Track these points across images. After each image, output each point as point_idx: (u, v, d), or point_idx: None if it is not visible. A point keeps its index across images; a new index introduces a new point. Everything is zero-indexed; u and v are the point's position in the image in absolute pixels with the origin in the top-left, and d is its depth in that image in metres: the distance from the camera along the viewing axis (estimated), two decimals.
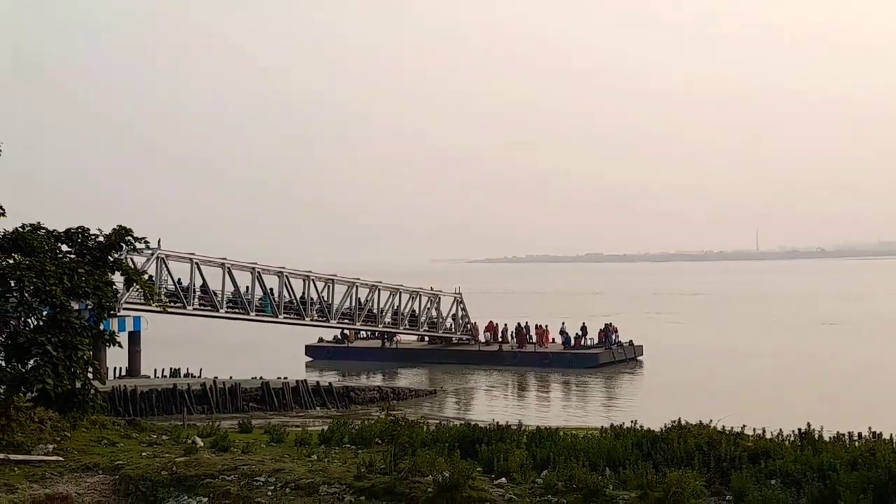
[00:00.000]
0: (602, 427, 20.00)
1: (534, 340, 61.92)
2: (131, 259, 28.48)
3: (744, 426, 17.95)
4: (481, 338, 64.82)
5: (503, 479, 15.54)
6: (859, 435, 17.10)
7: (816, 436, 17.16)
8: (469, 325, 65.75)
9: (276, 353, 63.72)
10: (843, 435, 17.09)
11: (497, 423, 19.51)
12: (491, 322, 65.93)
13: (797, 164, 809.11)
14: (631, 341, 61.68)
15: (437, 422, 24.90)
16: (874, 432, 16.93)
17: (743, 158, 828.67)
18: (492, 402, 45.84)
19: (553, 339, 62.91)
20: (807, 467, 14.65)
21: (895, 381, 49.54)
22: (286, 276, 52.69)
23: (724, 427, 17.63)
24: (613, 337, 61.19)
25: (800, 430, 17.49)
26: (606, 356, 58.65)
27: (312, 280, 54.49)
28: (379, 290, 59.64)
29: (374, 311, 59.41)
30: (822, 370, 55.14)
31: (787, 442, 17.07)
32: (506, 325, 64.75)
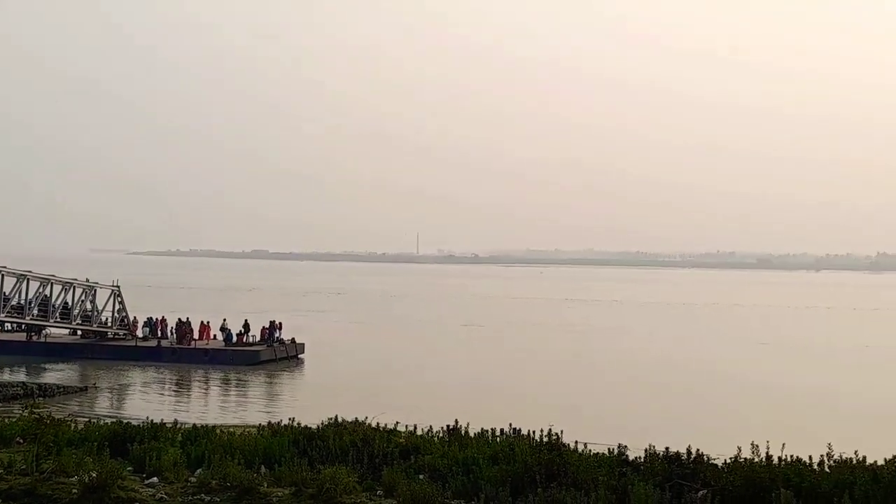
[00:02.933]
0: (260, 424, 19.99)
1: (195, 336, 60.76)
2: None
3: (397, 423, 18.61)
4: (139, 333, 62.65)
5: (155, 478, 15.12)
6: (501, 431, 18.16)
7: (463, 432, 18.09)
8: (127, 320, 63.30)
9: None
10: (487, 431, 18.11)
11: (151, 420, 18.96)
12: (153, 317, 63.91)
13: (456, 172, 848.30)
14: (293, 339, 62.00)
15: (87, 420, 23.78)
16: (514, 428, 18.07)
17: (401, 165, 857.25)
18: (147, 400, 44.40)
19: (214, 336, 62.02)
20: (453, 462, 15.40)
21: (533, 377, 53.30)
22: None
23: (378, 424, 18.18)
24: (277, 334, 61.26)
25: (448, 426, 18.36)
26: (268, 353, 58.61)
27: None
28: (28, 279, 55.94)
29: (22, 302, 55.66)
30: (469, 368, 58.21)
31: (436, 438, 17.87)
32: (165, 319, 63.02)
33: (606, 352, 70.51)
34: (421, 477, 14.84)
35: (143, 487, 14.52)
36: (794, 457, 14.05)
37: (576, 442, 16.19)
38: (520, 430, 17.70)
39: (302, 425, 18.52)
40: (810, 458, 13.96)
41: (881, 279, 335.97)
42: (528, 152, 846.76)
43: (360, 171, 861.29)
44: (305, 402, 43.14)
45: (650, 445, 15.32)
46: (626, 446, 15.56)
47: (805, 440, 16.28)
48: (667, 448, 14.86)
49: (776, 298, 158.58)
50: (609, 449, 15.70)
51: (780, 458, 14.00)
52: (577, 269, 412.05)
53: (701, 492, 13.15)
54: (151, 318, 63.96)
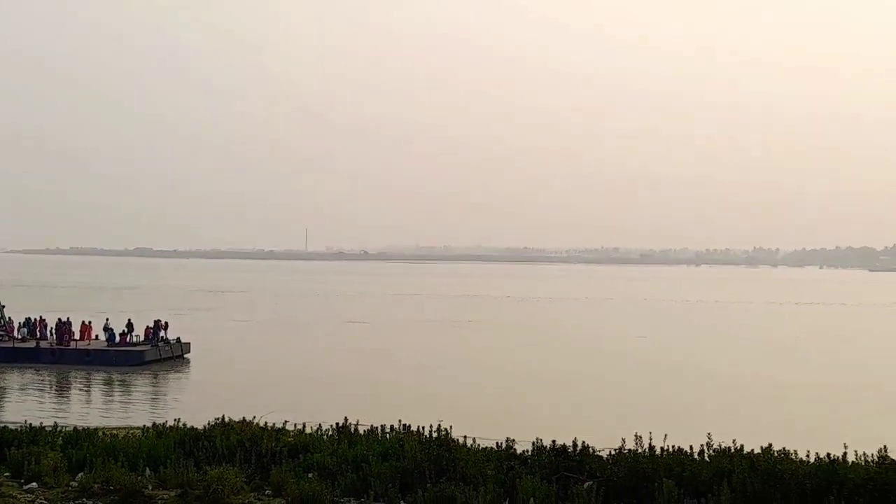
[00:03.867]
0: (144, 426, 19.59)
1: (76, 337, 59.16)
2: None
3: (285, 422, 18.45)
4: (17, 333, 60.65)
5: (34, 483, 14.70)
6: (391, 428, 18.18)
7: (353, 429, 18.05)
8: (3, 320, 61.21)
9: None
10: (377, 428, 18.11)
11: (30, 424, 18.40)
12: (31, 317, 61.99)
13: (348, 171, 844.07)
14: (178, 338, 60.90)
15: None
16: (404, 425, 18.11)
17: (290, 160, 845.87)
18: (26, 403, 43.01)
19: (97, 336, 60.52)
20: (342, 460, 15.36)
21: (420, 372, 53.57)
22: None
23: (266, 423, 17.99)
24: (162, 334, 60.10)
25: (338, 424, 18.30)
26: (153, 353, 57.45)
27: None
28: None
29: None
30: (356, 365, 58.11)
31: (325, 436, 17.78)
32: (44, 319, 61.22)
33: (491, 347, 71.30)
34: (310, 475, 14.77)
35: (21, 493, 14.11)
36: (676, 447, 14.45)
37: (465, 437, 16.32)
38: (409, 426, 17.74)
39: (188, 426, 18.22)
40: (691, 447, 14.38)
41: (756, 273, 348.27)
42: (416, 147, 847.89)
43: (251, 164, 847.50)
44: (191, 402, 42.48)
45: (538, 439, 15.57)
46: (514, 440, 15.75)
47: (687, 429, 16.78)
48: (553, 441, 15.11)
49: (652, 292, 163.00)
50: (497, 443, 15.88)
51: (662, 449, 14.36)
52: (466, 265, 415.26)
53: (587, 483, 13.41)
54: (30, 318, 62.02)
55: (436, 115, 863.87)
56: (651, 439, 14.49)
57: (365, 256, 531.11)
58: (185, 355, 60.36)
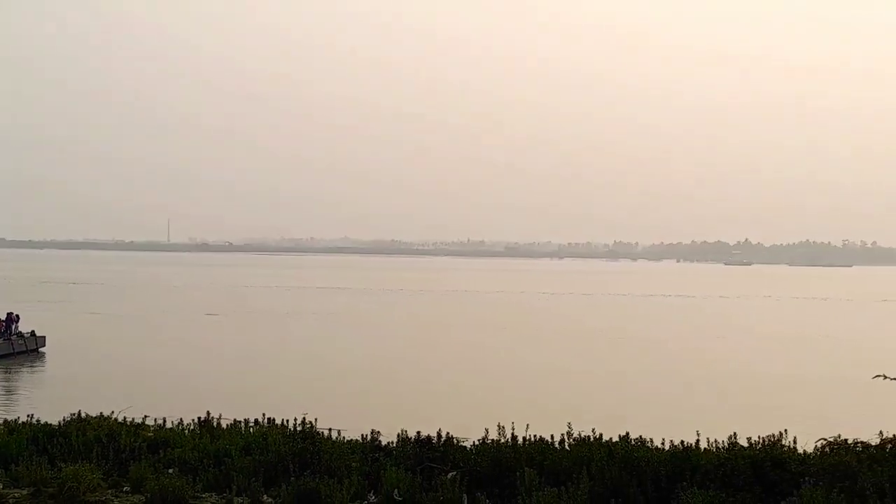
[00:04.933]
0: None
1: None
2: None
3: (145, 417, 18.04)
4: None
5: None
6: (255, 421, 17.98)
7: (215, 424, 17.77)
8: None
9: None
10: (240, 422, 17.88)
11: None
12: None
13: (209, 160, 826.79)
14: (33, 332, 58.85)
15: None
16: (269, 418, 17.94)
17: (148, 153, 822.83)
18: None
19: None
20: (204, 454, 15.10)
21: (281, 365, 53.15)
22: None
23: (125, 418, 17.57)
24: (14, 327, 57.98)
25: (199, 418, 18.00)
26: (5, 347, 55.44)
27: None
28: None
29: None
30: (218, 358, 57.30)
31: (186, 431, 17.46)
32: None
33: (351, 337, 71.39)
34: (171, 471, 14.49)
35: None
36: (538, 436, 14.71)
37: (329, 430, 16.28)
38: (273, 419, 17.58)
39: (42, 422, 17.64)
40: (552, 437, 14.66)
41: (616, 266, 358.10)
42: (281, 136, 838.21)
43: (109, 152, 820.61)
44: (46, 397, 41.24)
45: (402, 430, 15.62)
46: (378, 432, 15.78)
47: (549, 418, 17.11)
48: (418, 432, 15.18)
49: (516, 285, 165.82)
50: (363, 435, 15.88)
51: (524, 439, 14.60)
52: (333, 257, 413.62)
53: (451, 473, 13.54)
54: None
55: (302, 92, 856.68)
56: (514, 429, 14.72)
57: (230, 248, 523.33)
58: (40, 349, 58.39)
